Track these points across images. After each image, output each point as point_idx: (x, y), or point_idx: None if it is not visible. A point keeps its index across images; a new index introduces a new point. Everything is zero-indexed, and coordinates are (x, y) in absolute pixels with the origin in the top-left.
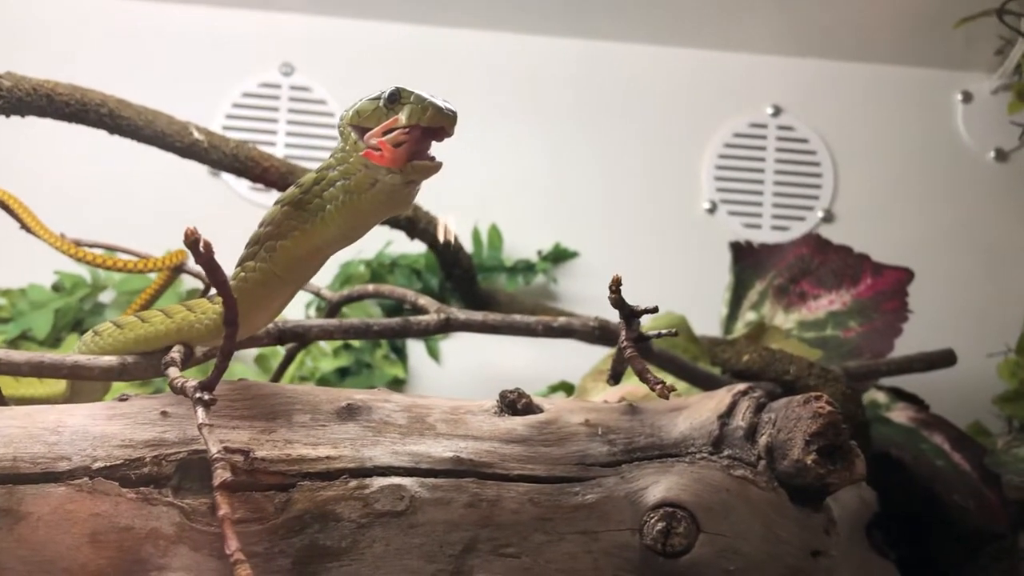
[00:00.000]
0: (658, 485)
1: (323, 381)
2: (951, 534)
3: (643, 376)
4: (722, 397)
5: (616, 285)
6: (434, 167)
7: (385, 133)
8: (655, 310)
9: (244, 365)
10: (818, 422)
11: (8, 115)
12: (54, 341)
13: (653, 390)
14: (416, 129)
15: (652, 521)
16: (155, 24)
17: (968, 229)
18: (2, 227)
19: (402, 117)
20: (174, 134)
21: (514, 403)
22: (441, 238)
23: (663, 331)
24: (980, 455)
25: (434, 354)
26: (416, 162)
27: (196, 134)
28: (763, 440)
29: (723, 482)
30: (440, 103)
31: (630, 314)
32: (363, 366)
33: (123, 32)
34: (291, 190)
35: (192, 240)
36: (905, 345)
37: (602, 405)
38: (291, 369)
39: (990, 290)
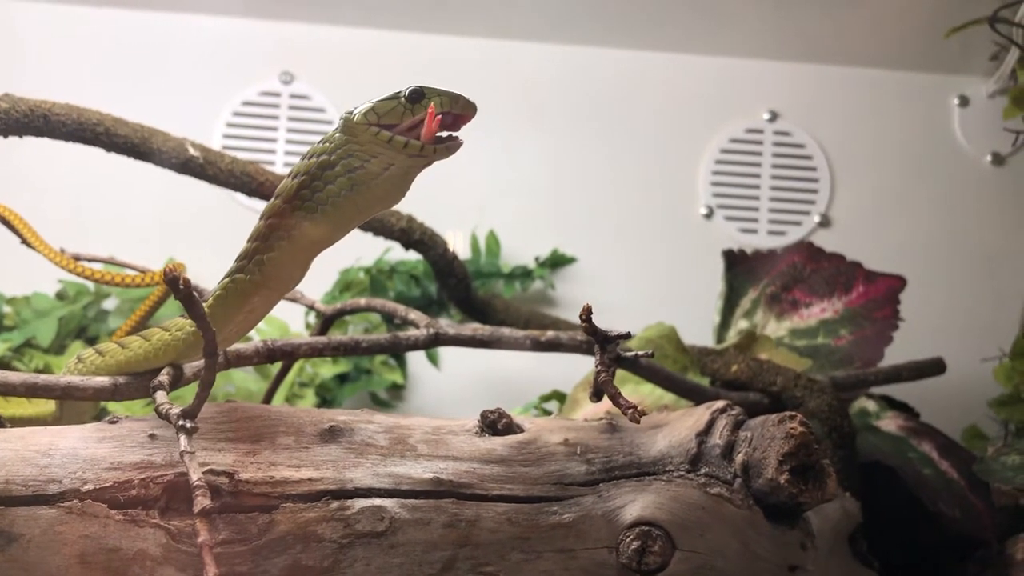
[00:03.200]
0: (635, 504)
1: (323, 387)
2: (937, 542)
3: (616, 401)
4: (700, 415)
5: (587, 314)
6: (457, 145)
7: (409, 129)
8: (628, 336)
9: (244, 373)
10: (790, 442)
11: (6, 136)
12: (58, 348)
13: (625, 414)
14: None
15: (628, 539)
16: (155, 34)
17: (965, 232)
18: (6, 237)
19: (433, 106)
20: (170, 151)
21: (495, 423)
22: (451, 247)
23: (640, 352)
24: (968, 462)
25: (433, 360)
26: (450, 144)
27: (192, 151)
28: (739, 458)
29: (699, 500)
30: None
31: (604, 339)
32: (362, 372)
33: (123, 42)
34: (284, 186)
35: (171, 277)
36: (902, 348)
37: (582, 424)
38: (291, 376)
39: (986, 294)
